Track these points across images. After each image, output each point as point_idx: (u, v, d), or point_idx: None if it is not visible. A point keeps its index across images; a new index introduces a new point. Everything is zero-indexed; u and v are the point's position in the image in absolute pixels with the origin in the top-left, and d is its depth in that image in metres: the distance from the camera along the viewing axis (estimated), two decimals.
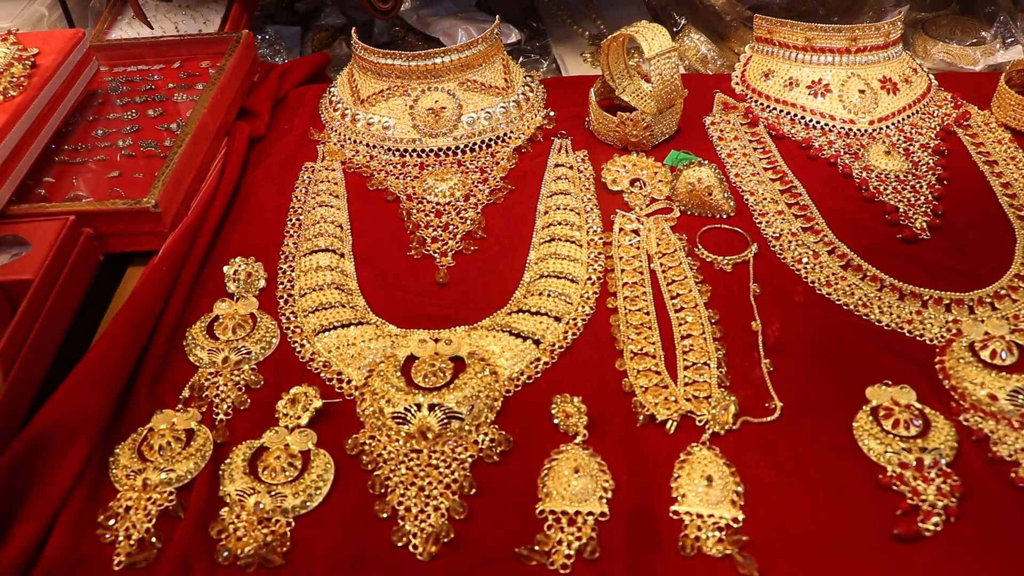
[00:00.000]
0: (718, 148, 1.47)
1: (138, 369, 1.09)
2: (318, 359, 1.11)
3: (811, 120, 1.51)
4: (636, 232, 1.28)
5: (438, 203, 1.37)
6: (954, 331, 1.11)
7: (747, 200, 1.35)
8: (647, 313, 1.15)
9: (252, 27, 1.88)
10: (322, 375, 1.09)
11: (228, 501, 0.93)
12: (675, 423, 1.00)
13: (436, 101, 1.47)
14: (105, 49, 1.69)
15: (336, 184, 1.41)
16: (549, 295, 1.18)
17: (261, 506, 0.92)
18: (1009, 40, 1.80)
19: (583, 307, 1.17)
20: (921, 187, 1.36)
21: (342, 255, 1.27)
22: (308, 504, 0.93)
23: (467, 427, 1.00)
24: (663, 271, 1.21)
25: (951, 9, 1.95)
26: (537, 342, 1.12)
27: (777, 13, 1.80)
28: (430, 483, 0.95)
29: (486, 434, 1.00)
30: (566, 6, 2.03)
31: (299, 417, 1.02)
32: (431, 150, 1.47)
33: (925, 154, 1.44)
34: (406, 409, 1.00)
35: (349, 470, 0.97)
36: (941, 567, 0.86)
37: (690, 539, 0.88)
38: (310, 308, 1.18)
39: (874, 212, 1.33)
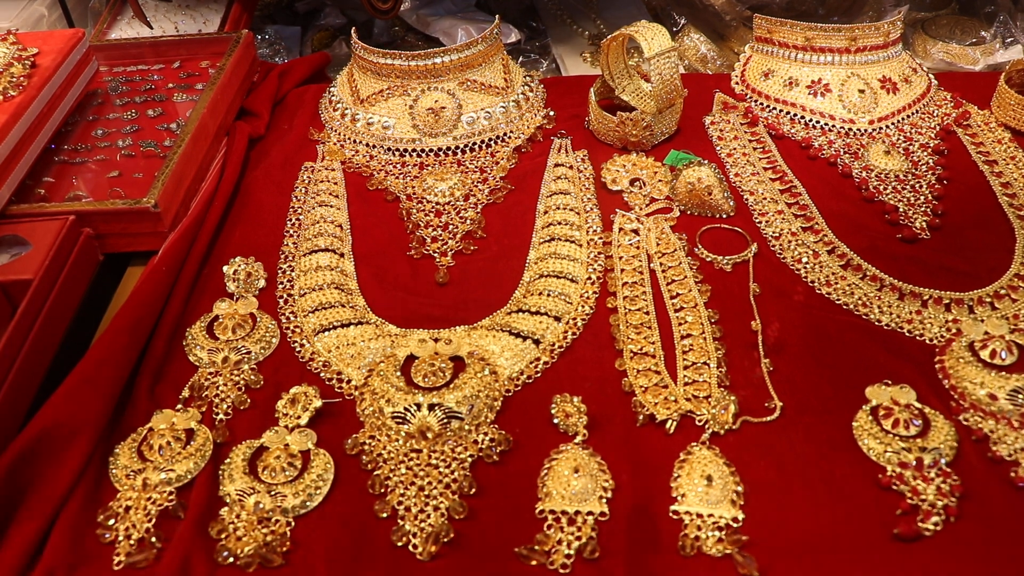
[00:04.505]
0: (718, 148, 1.47)
1: (138, 369, 1.09)
2: (318, 359, 1.11)
3: (811, 120, 1.51)
4: (636, 232, 1.28)
5: (438, 203, 1.37)
6: (954, 331, 1.11)
7: (747, 200, 1.35)
8: (647, 313, 1.15)
9: (252, 27, 1.88)
10: (322, 375, 1.09)
11: (228, 501, 0.93)
12: (675, 423, 1.00)
13: (436, 101, 1.47)
14: (105, 49, 1.69)
15: (336, 184, 1.41)
16: (549, 295, 1.18)
17: (261, 506, 0.92)
18: (1009, 40, 1.80)
19: (583, 307, 1.17)
20: (921, 187, 1.36)
21: (342, 255, 1.27)
22: (308, 504, 0.93)
23: (467, 427, 1.00)
24: (663, 271, 1.21)
25: (951, 9, 1.94)
26: (537, 342, 1.12)
27: (777, 13, 1.80)
28: (430, 483, 0.95)
29: (486, 434, 1.00)
30: (566, 6, 2.03)
31: (299, 417, 1.02)
32: (431, 150, 1.47)
33: (925, 154, 1.44)
34: (406, 409, 1.00)
35: (349, 470, 0.97)
36: (941, 567, 0.86)
37: (690, 539, 0.88)
38: (310, 308, 1.18)
39: (874, 212, 1.33)
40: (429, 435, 0.99)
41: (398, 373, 1.06)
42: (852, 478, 0.94)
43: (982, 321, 1.10)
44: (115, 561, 0.88)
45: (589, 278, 1.21)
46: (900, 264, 1.22)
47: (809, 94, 1.52)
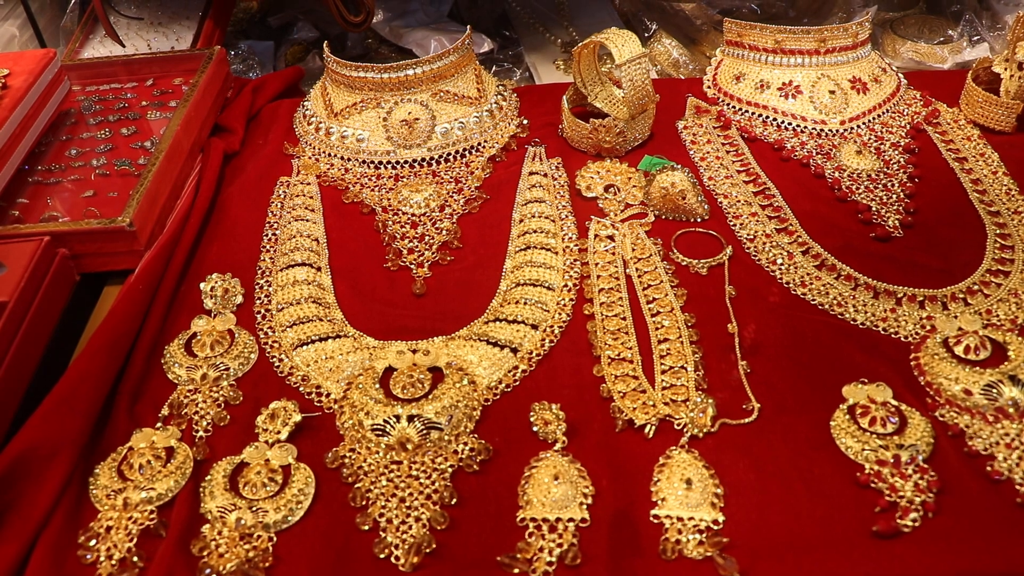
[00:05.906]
0: (691, 152, 1.48)
1: (116, 388, 1.09)
2: (296, 373, 1.11)
3: (783, 122, 1.52)
4: (611, 238, 1.29)
5: (413, 214, 1.37)
6: (928, 328, 1.12)
7: (721, 203, 1.35)
8: (624, 318, 1.15)
9: (225, 43, 1.88)
10: (301, 389, 1.09)
11: (209, 518, 0.93)
12: (653, 427, 1.01)
13: (409, 112, 1.48)
14: (77, 68, 1.68)
15: (311, 198, 1.41)
16: (526, 303, 1.18)
17: (243, 522, 0.92)
18: (975, 38, 1.82)
19: (560, 314, 1.17)
20: (893, 185, 1.38)
21: (319, 269, 1.27)
22: (289, 518, 0.93)
23: (446, 437, 1.00)
24: (639, 276, 1.22)
25: (918, 8, 1.96)
26: (515, 350, 1.12)
27: (748, 16, 1.81)
28: (411, 494, 0.95)
29: (465, 443, 1.00)
30: (538, 14, 2.04)
31: (279, 432, 1.02)
32: (405, 161, 1.47)
33: (896, 152, 1.45)
34: (385, 421, 1.00)
35: (330, 483, 0.97)
36: (920, 562, 0.86)
37: (671, 542, 0.89)
38: (288, 323, 1.18)
39: (847, 211, 1.34)
40: (409, 446, 0.99)
41: (377, 385, 1.06)
42: (831, 477, 0.95)
43: (956, 317, 1.11)
44: None
45: (565, 285, 1.21)
46: (874, 263, 1.23)
47: (780, 96, 1.54)
